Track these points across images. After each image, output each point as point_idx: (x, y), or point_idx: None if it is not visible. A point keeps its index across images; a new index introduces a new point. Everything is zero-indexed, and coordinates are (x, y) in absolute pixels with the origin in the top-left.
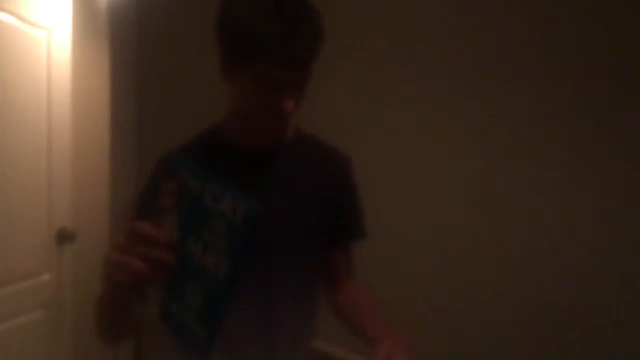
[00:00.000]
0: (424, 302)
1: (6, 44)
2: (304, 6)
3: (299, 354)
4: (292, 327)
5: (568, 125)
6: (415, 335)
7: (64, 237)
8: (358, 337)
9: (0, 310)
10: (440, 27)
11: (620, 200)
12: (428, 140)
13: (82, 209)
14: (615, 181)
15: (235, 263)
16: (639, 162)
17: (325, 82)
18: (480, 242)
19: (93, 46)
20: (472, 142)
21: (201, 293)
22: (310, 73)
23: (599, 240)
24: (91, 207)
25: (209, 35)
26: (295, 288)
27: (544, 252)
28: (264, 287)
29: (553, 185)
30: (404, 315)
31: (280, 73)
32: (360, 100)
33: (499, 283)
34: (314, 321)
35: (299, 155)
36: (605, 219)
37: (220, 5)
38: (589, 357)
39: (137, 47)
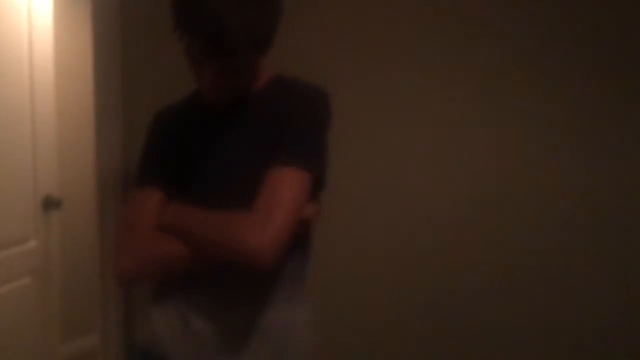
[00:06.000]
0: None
1: None
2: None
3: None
4: None
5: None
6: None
7: (50, 203)
8: None
9: None
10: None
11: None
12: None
13: (67, 175)
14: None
15: None
16: None
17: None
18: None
19: (75, 8)
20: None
21: None
22: (248, 58)
23: (602, 235)
24: (77, 173)
25: None
26: None
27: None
28: None
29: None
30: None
31: (197, 51)
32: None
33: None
34: None
35: (268, 100)
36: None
37: None
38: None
39: (121, 7)
